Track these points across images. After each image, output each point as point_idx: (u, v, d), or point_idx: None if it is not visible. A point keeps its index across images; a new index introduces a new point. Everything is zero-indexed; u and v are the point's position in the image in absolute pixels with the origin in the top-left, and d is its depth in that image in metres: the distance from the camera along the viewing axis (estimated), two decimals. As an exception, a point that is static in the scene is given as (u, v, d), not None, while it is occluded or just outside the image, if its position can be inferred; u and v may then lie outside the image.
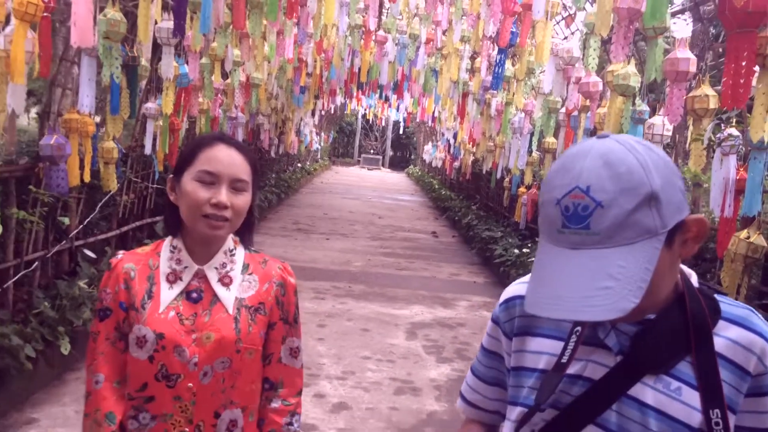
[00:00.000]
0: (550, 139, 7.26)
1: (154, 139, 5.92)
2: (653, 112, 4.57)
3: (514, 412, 1.11)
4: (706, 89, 3.71)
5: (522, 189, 8.90)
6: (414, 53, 8.93)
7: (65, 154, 4.28)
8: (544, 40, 5.39)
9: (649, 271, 0.89)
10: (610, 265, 0.88)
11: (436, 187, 19.98)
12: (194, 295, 1.47)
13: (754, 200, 3.49)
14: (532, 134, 7.71)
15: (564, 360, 1.05)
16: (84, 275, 4.77)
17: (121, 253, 1.53)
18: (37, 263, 4.52)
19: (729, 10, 2.98)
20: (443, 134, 17.72)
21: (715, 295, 1.05)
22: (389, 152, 41.13)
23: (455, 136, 14.83)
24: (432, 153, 22.05)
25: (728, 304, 1.05)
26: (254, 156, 1.52)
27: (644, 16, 3.31)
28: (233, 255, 1.53)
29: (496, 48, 6.81)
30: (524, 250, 8.18)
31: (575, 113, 6.10)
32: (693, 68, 3.84)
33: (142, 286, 1.47)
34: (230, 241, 1.53)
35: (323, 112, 21.42)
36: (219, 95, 7.69)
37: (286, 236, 10.32)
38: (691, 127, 4.10)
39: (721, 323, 1.02)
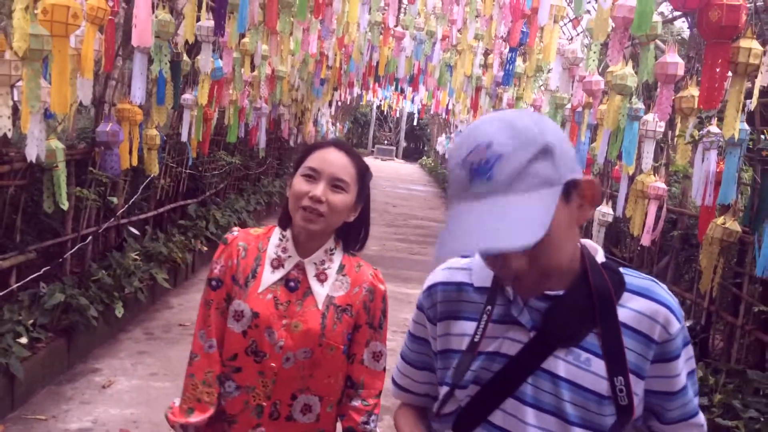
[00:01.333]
0: (557, 133, 7.71)
1: (189, 128, 6.45)
2: (648, 109, 5.02)
3: (442, 392, 1.16)
4: (693, 90, 4.17)
5: (530, 180, 9.36)
6: (430, 49, 9.38)
7: (119, 140, 4.80)
8: (551, 41, 5.84)
9: (549, 216, 0.94)
10: (512, 208, 0.93)
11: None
12: (292, 284, 1.56)
13: (729, 190, 3.95)
14: (540, 128, 8.17)
15: (476, 339, 1.10)
16: (131, 249, 5.31)
17: (236, 230, 1.65)
18: (90, 237, 5.07)
19: (705, 24, 3.42)
20: (457, 126, 18.15)
21: (621, 269, 1.11)
22: (403, 143, 41.40)
23: (468, 129, 15.28)
24: (446, 144, 22.43)
25: (633, 277, 1.11)
26: (363, 163, 1.61)
27: (632, 27, 3.76)
28: (332, 254, 1.61)
29: (508, 47, 7.26)
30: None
31: (579, 109, 6.54)
32: (681, 71, 4.27)
33: (249, 265, 1.58)
34: (332, 241, 1.61)
35: (339, 103, 21.91)
36: (246, 87, 8.20)
37: (305, 221, 10.85)
38: (679, 125, 4.56)
39: (625, 295, 1.08)
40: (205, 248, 6.85)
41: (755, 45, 3.37)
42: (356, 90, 17.93)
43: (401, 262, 8.30)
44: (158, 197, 6.68)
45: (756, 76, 3.63)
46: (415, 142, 42.47)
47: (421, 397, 1.31)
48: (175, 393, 3.92)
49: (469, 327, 1.13)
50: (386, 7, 8.35)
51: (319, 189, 1.49)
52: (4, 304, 3.72)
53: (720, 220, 4.07)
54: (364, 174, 1.59)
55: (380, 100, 26.80)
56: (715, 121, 4.25)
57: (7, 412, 3.28)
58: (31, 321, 3.64)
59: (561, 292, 1.06)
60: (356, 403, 1.61)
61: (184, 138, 6.39)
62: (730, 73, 3.55)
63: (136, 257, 5.00)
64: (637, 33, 3.71)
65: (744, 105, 3.72)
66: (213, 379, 1.54)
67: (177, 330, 4.88)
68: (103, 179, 4.74)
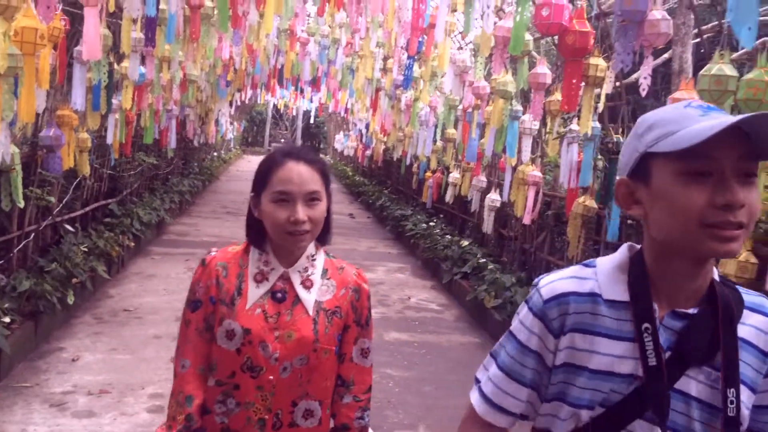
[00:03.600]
0: (450, 131, 8.70)
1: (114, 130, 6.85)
2: (525, 111, 6.04)
3: (562, 411, 1.11)
4: (558, 95, 5.18)
5: (428, 173, 10.34)
6: (334, 54, 10.13)
7: (61, 143, 5.22)
8: (444, 52, 6.76)
9: None
10: None
11: (350, 174, 21.23)
12: (279, 295, 1.56)
13: (587, 175, 5.00)
14: (436, 126, 9.16)
15: (652, 362, 1.04)
16: (69, 244, 5.72)
17: (214, 251, 1.64)
18: (33, 234, 5.45)
19: (564, 46, 4.38)
20: (355, 124, 18.95)
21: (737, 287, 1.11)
22: (299, 141, 41.75)
23: (367, 127, 16.14)
24: (344, 142, 23.20)
25: (747, 294, 1.11)
26: (323, 163, 1.61)
27: (509, 47, 4.70)
28: (314, 260, 1.62)
29: (406, 54, 8.14)
30: (431, 224, 9.62)
31: (470, 110, 7.52)
32: (549, 80, 5.28)
33: (232, 283, 1.57)
34: (311, 246, 1.62)
35: (239, 103, 22.16)
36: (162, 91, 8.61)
37: (218, 218, 11.31)
38: (549, 123, 5.60)
39: (745, 312, 1.07)
40: (132, 243, 7.28)
41: (601, 62, 4.36)
42: (259, 90, 18.34)
43: (315, 251, 9.02)
44: (85, 197, 7.04)
45: (602, 86, 4.66)
46: (312, 141, 42.81)
47: (514, 418, 1.19)
48: (136, 365, 4.53)
49: (605, 345, 1.07)
50: (295, 16, 9.01)
51: (299, 212, 1.50)
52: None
53: (581, 199, 5.11)
54: (326, 173, 1.61)
55: (277, 99, 27.09)
56: (575, 120, 5.30)
57: (-6, 384, 3.75)
58: (6, 305, 4.09)
59: (694, 311, 1.06)
60: (348, 399, 1.63)
61: (110, 140, 6.79)
62: (583, 84, 4.57)
63: (85, 249, 5.43)
64: (513, 53, 4.64)
65: (595, 108, 4.76)
66: (183, 399, 1.54)
67: (123, 314, 5.37)
68: (51, 180, 5.15)
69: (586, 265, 1.16)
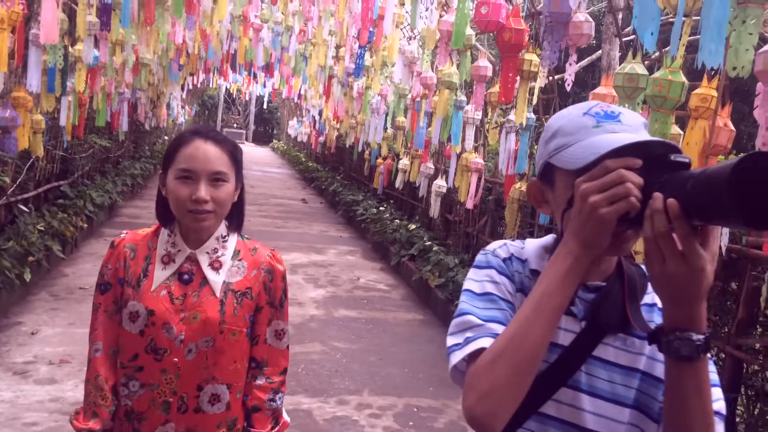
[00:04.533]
0: (400, 119, 9.01)
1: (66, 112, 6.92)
2: (468, 101, 6.39)
3: None
4: (497, 88, 5.54)
5: (379, 160, 10.65)
6: (287, 41, 10.30)
7: (17, 124, 5.32)
8: (393, 43, 7.05)
9: None
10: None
11: (303, 160, 21.37)
12: (185, 276, 1.55)
13: (523, 162, 5.38)
14: (386, 114, 9.46)
15: (570, 329, 1.13)
16: (24, 223, 5.82)
17: (124, 233, 1.63)
18: (-13, 214, 5.54)
19: (500, 41, 4.73)
20: (309, 111, 19.09)
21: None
22: (252, 127, 41.46)
23: (320, 113, 16.32)
24: (297, 128, 23.28)
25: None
26: (233, 145, 1.58)
27: (451, 42, 5.02)
28: (225, 241, 1.60)
29: (357, 43, 8.40)
30: (381, 209, 9.94)
31: (418, 99, 7.84)
32: (489, 73, 5.63)
33: (139, 265, 1.56)
34: (223, 227, 1.60)
35: (190, 87, 22.00)
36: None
37: (170, 202, 11.38)
38: (489, 114, 5.96)
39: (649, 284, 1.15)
40: (85, 225, 7.37)
41: (535, 58, 4.72)
42: (211, 75, 18.27)
43: (268, 234, 9.23)
44: (37, 178, 7.09)
45: (536, 80, 5.03)
46: (265, 126, 42.47)
47: None
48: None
49: None
50: (249, 3, 9.15)
51: (201, 190, 1.47)
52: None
53: (518, 185, 5.50)
54: (236, 155, 1.57)
55: (230, 84, 26.86)
56: (513, 111, 5.67)
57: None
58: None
59: (603, 283, 1.13)
60: (261, 381, 1.61)
61: (62, 122, 6.86)
62: (519, 77, 4.93)
63: (41, 228, 5.55)
64: (454, 47, 4.96)
65: (530, 100, 5.13)
66: (102, 382, 1.53)
67: (79, 292, 5.52)
68: (6, 160, 5.25)
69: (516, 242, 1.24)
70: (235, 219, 1.61)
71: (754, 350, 3.32)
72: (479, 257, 1.21)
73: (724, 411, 1.05)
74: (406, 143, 9.12)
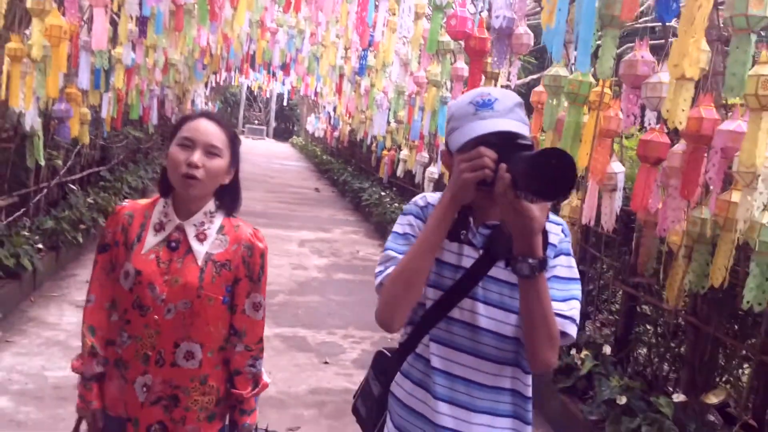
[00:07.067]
0: (401, 113, 10.02)
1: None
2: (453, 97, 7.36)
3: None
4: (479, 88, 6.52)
5: (385, 152, 11.67)
6: (300, 43, 11.36)
7: (70, 115, 6.44)
8: (389, 46, 8.07)
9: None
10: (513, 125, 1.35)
11: (319, 153, 22.44)
12: (173, 244, 1.70)
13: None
14: (389, 109, 10.48)
15: (469, 255, 1.46)
16: (75, 199, 6.95)
17: (126, 201, 1.78)
18: (45, 189, 6.67)
19: (467, 48, 5.71)
20: (324, 107, 20.12)
21: None
22: (273, 123, 42.31)
23: (335, 109, 17.34)
24: (315, 124, 24.27)
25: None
26: (232, 130, 1.73)
27: (426, 47, 6.02)
28: (213, 216, 1.74)
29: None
30: (382, 194, 10.98)
31: (413, 96, 8.84)
32: (466, 74, 6.60)
33: (135, 230, 1.71)
34: (212, 204, 1.74)
35: (214, 84, 23.19)
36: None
37: (194, 189, 12.52)
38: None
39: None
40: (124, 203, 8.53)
41: (497, 61, 5.68)
42: (233, 73, 19.39)
43: (283, 216, 10.32)
44: (81, 163, 8.24)
45: (497, 80, 6.00)
46: (285, 122, 42.95)
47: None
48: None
49: (445, 242, 1.44)
50: (265, 10, 10.23)
51: (195, 156, 1.61)
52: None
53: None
54: (234, 140, 1.72)
55: (251, 81, 27.87)
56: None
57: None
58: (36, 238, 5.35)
59: (497, 222, 1.41)
60: (240, 348, 1.77)
61: (103, 114, 7.99)
62: (483, 78, 5.91)
63: (91, 201, 6.69)
64: (429, 52, 5.97)
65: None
66: (86, 330, 1.71)
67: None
68: (62, 146, 6.38)
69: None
70: (228, 200, 1.77)
71: (642, 286, 4.29)
72: (405, 206, 1.59)
73: (576, 317, 1.40)
74: (406, 135, 10.13)
